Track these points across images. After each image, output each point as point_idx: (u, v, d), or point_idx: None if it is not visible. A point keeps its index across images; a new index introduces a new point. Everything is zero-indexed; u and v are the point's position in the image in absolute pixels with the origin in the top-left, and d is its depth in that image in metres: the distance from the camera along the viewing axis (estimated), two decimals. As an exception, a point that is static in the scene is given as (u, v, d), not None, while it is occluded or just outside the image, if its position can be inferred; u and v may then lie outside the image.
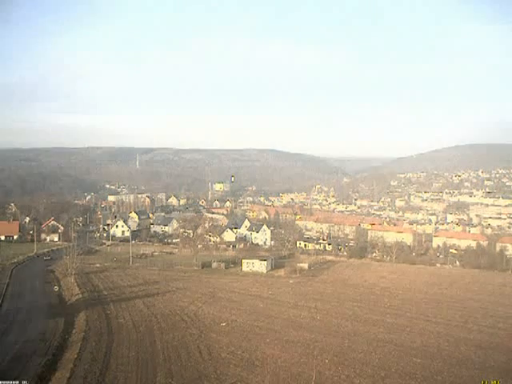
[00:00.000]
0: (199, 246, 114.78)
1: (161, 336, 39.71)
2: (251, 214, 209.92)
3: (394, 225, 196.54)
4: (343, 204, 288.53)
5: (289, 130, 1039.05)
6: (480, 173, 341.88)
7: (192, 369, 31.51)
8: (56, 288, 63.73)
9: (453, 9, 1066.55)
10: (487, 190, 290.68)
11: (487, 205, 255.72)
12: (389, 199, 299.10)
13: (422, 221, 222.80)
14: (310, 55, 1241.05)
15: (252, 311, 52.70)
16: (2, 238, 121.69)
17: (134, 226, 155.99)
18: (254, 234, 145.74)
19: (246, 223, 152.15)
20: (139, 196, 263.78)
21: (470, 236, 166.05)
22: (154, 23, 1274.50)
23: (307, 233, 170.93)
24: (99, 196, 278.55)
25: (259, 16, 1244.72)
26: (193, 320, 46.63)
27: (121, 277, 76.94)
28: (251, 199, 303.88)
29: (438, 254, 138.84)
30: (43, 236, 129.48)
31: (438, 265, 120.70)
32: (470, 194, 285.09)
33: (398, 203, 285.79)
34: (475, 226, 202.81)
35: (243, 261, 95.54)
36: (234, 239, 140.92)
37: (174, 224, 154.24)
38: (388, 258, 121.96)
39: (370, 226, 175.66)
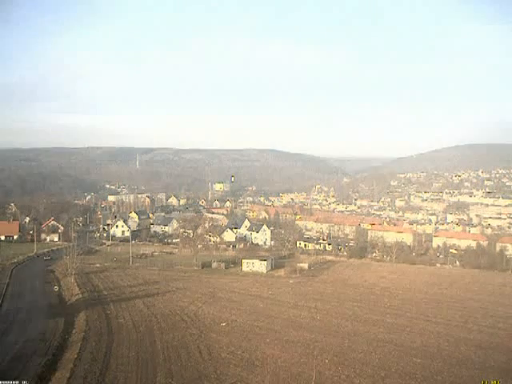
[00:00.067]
0: (199, 246, 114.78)
1: (161, 336, 39.70)
2: (251, 213, 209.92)
3: (394, 225, 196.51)
4: (343, 204, 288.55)
5: (289, 129, 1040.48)
6: (480, 173, 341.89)
7: (192, 369, 31.51)
8: (56, 288, 63.72)
9: (453, 9, 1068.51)
10: (487, 189, 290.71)
11: (487, 205, 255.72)
12: (389, 199, 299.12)
13: (422, 221, 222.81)
14: (309, 55, 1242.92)
15: (252, 311, 52.70)
16: (2, 238, 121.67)
17: (134, 226, 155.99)
18: (254, 234, 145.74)
19: (246, 223, 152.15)
20: (139, 196, 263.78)
21: (469, 236, 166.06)
22: (153, 23, 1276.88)
23: (307, 233, 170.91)
24: (99, 196, 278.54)
25: (259, 16, 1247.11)
26: (193, 320, 46.63)
27: (121, 277, 76.92)
28: (251, 199, 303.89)
29: (438, 254, 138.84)
30: (43, 236, 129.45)
31: (438, 265, 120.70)
32: (470, 194, 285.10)
33: (398, 203, 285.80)
34: (475, 226, 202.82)
35: (243, 261, 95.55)
36: (234, 239, 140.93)
37: (174, 224, 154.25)
38: (388, 258, 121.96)
39: (370, 226, 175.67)
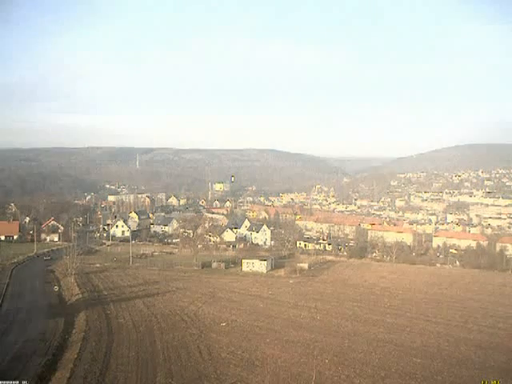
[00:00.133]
0: (199, 246, 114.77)
1: (161, 336, 39.70)
2: (251, 213, 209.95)
3: (394, 225, 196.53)
4: (343, 204, 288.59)
5: (289, 129, 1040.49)
6: (480, 173, 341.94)
7: (192, 369, 31.51)
8: (56, 288, 63.71)
9: (453, 9, 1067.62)
10: (487, 189, 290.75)
11: (487, 205, 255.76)
12: (389, 199, 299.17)
13: (422, 221, 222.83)
14: (309, 55, 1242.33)
15: (252, 311, 52.70)
16: (2, 238, 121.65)
17: (134, 226, 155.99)
18: (254, 234, 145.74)
19: (246, 223, 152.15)
20: (139, 196, 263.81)
21: (470, 236, 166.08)
22: (154, 23, 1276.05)
23: (307, 233, 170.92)
24: (99, 196, 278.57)
25: (259, 16, 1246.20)
26: (193, 320, 46.63)
27: (121, 277, 76.92)
28: (251, 199, 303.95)
29: (438, 254, 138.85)
30: (43, 236, 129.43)
31: (438, 265, 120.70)
32: (470, 194, 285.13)
33: (398, 203, 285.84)
34: (475, 226, 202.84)
35: (243, 261, 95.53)
36: (234, 239, 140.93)
37: (174, 224, 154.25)
38: (388, 258, 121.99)
39: (370, 226, 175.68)
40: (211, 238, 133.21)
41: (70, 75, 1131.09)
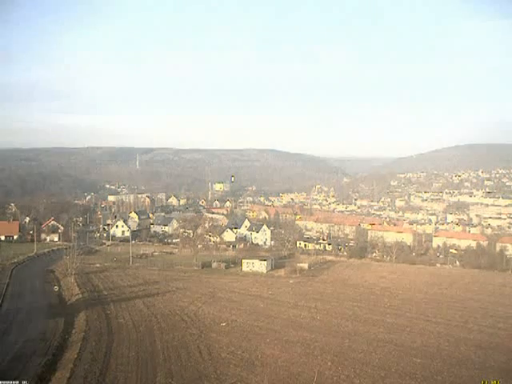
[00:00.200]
0: (199, 246, 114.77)
1: (161, 336, 39.68)
2: (251, 213, 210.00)
3: (394, 225, 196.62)
4: (343, 204, 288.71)
5: (289, 129, 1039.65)
6: (480, 173, 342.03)
7: (192, 369, 31.48)
8: (56, 288, 63.65)
9: (453, 7, 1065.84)
10: (487, 189, 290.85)
11: (487, 205, 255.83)
12: (389, 199, 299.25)
13: (422, 221, 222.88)
14: (309, 55, 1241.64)
15: (252, 311, 52.69)
16: (2, 238, 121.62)
17: (134, 226, 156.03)
18: (254, 234, 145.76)
19: (246, 223, 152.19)
20: (139, 196, 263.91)
21: (470, 236, 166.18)
22: (154, 23, 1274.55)
23: (307, 233, 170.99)
24: (99, 196, 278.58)
25: (259, 16, 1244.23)
26: (193, 320, 46.62)
27: (121, 277, 76.90)
28: (251, 199, 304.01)
29: (438, 254, 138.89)
30: (43, 236, 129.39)
31: (438, 265, 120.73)
32: (470, 194, 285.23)
33: (398, 203, 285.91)
34: (475, 226, 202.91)
35: (243, 261, 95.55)
36: (234, 239, 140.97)
37: (174, 224, 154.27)
38: (388, 258, 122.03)
39: (369, 226, 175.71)
40: (211, 237, 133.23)
41: (70, 75, 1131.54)
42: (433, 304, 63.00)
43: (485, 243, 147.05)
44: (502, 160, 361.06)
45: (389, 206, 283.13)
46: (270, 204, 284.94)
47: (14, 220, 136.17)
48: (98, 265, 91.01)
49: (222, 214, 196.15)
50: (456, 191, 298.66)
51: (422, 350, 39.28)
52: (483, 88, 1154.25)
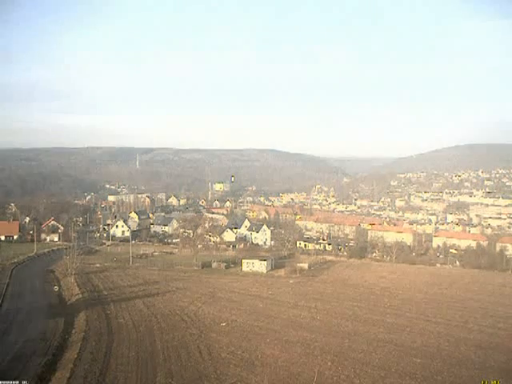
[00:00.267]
0: (199, 246, 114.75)
1: (161, 336, 39.68)
2: (251, 213, 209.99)
3: (394, 225, 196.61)
4: (343, 204, 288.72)
5: (289, 129, 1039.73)
6: (480, 173, 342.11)
7: (192, 369, 31.49)
8: (56, 288, 63.65)
9: (453, 7, 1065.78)
10: (487, 189, 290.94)
11: (487, 205, 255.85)
12: (389, 199, 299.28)
13: (422, 221, 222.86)
14: (309, 55, 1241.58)
15: (252, 311, 52.69)
16: (2, 238, 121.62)
17: (134, 226, 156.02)
18: (254, 234, 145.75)
19: (246, 223, 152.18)
20: (139, 196, 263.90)
21: (470, 236, 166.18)
22: (154, 23, 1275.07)
23: (307, 233, 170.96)
24: (99, 196, 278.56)
25: (259, 16, 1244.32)
26: (193, 320, 46.62)
27: (121, 277, 76.89)
28: (251, 199, 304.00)
29: (438, 254, 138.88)
30: (43, 236, 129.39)
31: (438, 265, 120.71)
32: (470, 194, 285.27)
33: (398, 203, 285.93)
34: (475, 226, 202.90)
35: (243, 261, 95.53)
36: (234, 239, 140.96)
37: (174, 224, 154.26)
38: (388, 258, 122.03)
39: (369, 226, 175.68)
40: (211, 237, 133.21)
41: (70, 75, 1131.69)
42: (433, 304, 62.99)
43: (485, 243, 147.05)
44: (502, 160, 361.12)
45: (389, 205, 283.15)
46: (270, 204, 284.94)
47: (14, 220, 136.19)
48: (97, 265, 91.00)
49: (222, 214, 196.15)
50: (456, 191, 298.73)
51: (422, 349, 39.28)
52: (483, 88, 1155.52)
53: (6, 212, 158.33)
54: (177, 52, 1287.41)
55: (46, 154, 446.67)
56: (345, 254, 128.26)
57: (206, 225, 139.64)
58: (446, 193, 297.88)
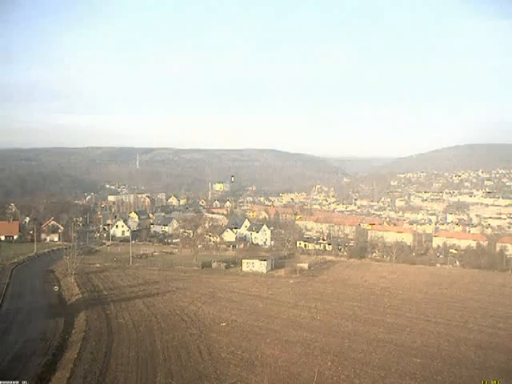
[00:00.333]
0: (199, 246, 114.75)
1: (161, 336, 39.67)
2: (251, 213, 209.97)
3: (394, 225, 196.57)
4: (343, 204, 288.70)
5: (289, 129, 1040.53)
6: (480, 173, 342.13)
7: (192, 369, 31.49)
8: (56, 288, 63.65)
9: (453, 7, 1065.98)
10: (487, 189, 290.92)
11: (487, 205, 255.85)
12: (389, 199, 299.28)
13: (422, 221, 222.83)
14: (309, 55, 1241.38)
15: (252, 311, 52.69)
16: (2, 238, 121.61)
17: (134, 226, 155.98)
18: (254, 234, 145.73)
19: (246, 223, 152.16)
20: (139, 196, 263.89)
21: (470, 236, 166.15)
22: (154, 23, 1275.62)
23: (307, 233, 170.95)
24: (99, 196, 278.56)
25: (259, 16, 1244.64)
26: (193, 320, 46.61)
27: (121, 277, 76.89)
28: (251, 199, 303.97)
29: (438, 254, 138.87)
30: (43, 236, 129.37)
31: (438, 265, 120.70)
32: (470, 194, 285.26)
33: (398, 203, 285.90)
34: (475, 226, 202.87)
35: (243, 261, 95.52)
36: (234, 239, 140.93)
37: (174, 224, 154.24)
38: (388, 258, 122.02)
39: (369, 226, 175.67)
40: (211, 237, 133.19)
41: (70, 75, 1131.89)
42: (433, 304, 62.99)
43: (485, 243, 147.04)
44: (502, 160, 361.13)
45: (389, 205, 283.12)
46: (270, 204, 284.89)
47: (13, 220, 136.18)
48: (97, 265, 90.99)
49: (222, 214, 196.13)
50: (456, 191, 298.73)
51: (421, 349, 39.27)
52: (483, 88, 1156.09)
53: (6, 212, 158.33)
54: (177, 52, 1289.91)
55: (46, 154, 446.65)
56: (345, 253, 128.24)
57: (206, 225, 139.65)
58: (446, 193, 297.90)
